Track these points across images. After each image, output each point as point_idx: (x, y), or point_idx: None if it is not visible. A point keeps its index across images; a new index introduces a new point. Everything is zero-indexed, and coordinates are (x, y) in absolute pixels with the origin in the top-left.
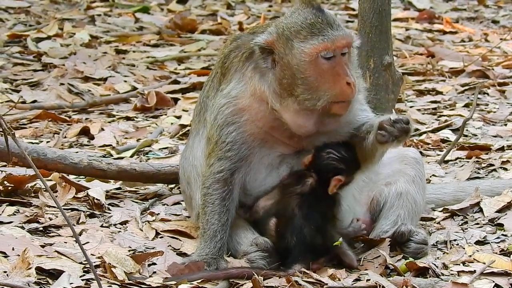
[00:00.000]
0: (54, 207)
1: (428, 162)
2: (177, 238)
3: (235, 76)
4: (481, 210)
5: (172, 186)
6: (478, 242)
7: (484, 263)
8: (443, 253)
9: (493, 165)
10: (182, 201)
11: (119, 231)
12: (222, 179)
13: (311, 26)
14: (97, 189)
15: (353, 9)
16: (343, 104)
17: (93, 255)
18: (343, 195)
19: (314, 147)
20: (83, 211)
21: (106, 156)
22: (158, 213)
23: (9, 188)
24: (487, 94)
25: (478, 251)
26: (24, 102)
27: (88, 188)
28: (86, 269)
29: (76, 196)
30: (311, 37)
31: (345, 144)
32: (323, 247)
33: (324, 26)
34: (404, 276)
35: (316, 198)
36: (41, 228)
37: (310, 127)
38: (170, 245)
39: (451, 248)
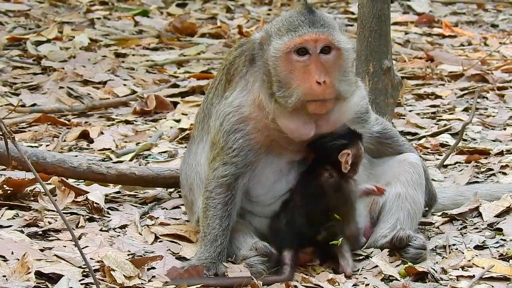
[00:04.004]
0: (54, 211)
1: (427, 167)
2: (176, 242)
3: (239, 84)
4: (480, 215)
5: (172, 190)
6: (477, 247)
7: (483, 268)
8: (442, 258)
9: (492, 169)
10: (182, 205)
11: (118, 235)
12: (226, 184)
13: (290, 24)
14: (97, 193)
15: (353, 13)
16: (318, 103)
17: (92, 259)
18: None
19: (305, 147)
20: (82, 215)
21: (106, 160)
22: (158, 217)
23: (9, 191)
24: (486, 98)
25: (477, 255)
26: (23, 106)
27: (87, 192)
28: (85, 273)
29: (75, 200)
30: (286, 34)
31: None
32: (309, 237)
33: (303, 24)
34: (403, 281)
35: (324, 190)
36: (41, 232)
37: (305, 131)
38: (170, 249)
39: (450, 252)
